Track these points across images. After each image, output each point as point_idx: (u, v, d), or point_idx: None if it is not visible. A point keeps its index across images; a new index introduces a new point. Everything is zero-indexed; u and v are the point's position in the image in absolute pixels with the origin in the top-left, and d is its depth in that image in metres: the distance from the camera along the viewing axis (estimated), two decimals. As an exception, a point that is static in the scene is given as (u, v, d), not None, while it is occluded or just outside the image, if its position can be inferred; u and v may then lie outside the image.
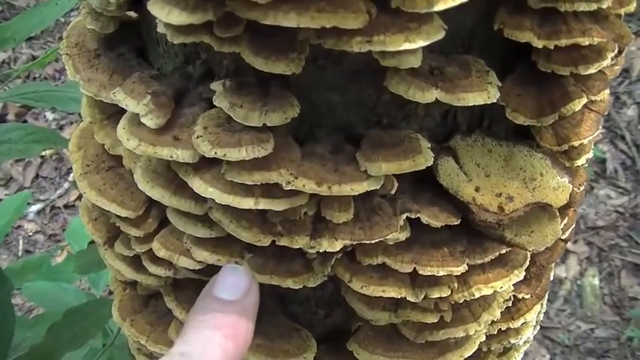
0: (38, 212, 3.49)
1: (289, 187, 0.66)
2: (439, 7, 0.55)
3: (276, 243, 0.70)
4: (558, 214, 0.78)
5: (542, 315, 1.00)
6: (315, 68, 0.65)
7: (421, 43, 0.57)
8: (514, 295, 0.87)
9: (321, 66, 0.65)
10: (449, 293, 0.75)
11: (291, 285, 0.74)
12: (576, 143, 0.78)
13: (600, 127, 0.86)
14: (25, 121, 3.89)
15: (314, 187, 0.66)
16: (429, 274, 0.73)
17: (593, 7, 0.66)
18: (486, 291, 0.77)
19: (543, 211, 0.77)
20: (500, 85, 0.68)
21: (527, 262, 0.80)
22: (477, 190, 0.72)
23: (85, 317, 1.29)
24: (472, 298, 0.76)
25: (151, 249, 0.79)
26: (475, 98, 0.65)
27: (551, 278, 0.98)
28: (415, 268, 0.73)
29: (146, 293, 0.91)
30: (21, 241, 3.36)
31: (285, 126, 0.66)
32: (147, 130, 0.70)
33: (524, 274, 0.79)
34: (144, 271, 0.82)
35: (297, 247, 0.70)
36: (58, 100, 1.28)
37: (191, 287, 0.84)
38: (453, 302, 0.77)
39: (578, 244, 2.99)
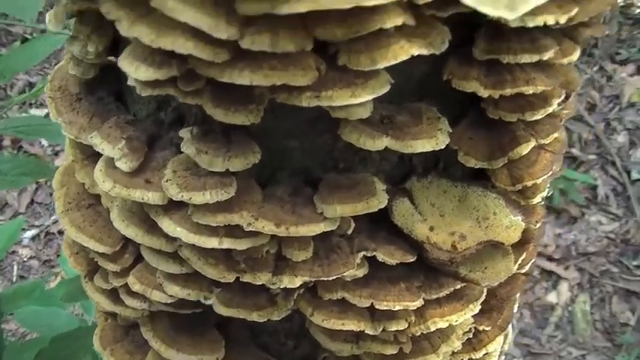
0: (33, 238, 3.54)
1: (250, 229, 0.70)
2: (382, 64, 0.60)
3: (240, 279, 0.74)
4: (511, 251, 0.82)
5: (507, 345, 1.03)
6: (273, 117, 0.70)
7: (366, 97, 0.61)
8: (475, 327, 0.91)
9: (280, 115, 0.70)
10: (406, 326, 0.79)
11: (256, 318, 0.78)
12: (530, 183, 0.82)
13: (556, 167, 0.91)
14: (20, 147, 3.97)
15: (273, 229, 0.70)
16: (386, 308, 0.77)
17: (535, 58, 0.70)
18: (442, 324, 0.80)
19: (497, 248, 0.81)
20: (451, 131, 0.73)
21: (483, 297, 0.84)
22: (431, 229, 0.77)
23: (72, 343, 1.32)
24: (429, 331, 0.80)
25: (127, 283, 0.83)
26: (424, 145, 0.70)
27: (515, 310, 1.02)
28: (372, 302, 0.77)
29: (126, 324, 0.95)
30: (15, 267, 3.40)
31: (248, 170, 0.71)
32: (121, 173, 0.75)
33: (479, 307, 0.83)
34: (121, 303, 0.87)
35: (260, 283, 0.74)
36: (48, 133, 1.34)
37: (167, 318, 0.88)
38: (411, 335, 0.81)
39: (569, 271, 3.02)
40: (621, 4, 4.46)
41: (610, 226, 3.17)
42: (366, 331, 0.78)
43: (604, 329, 2.84)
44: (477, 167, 0.77)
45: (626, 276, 3.02)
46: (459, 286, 0.81)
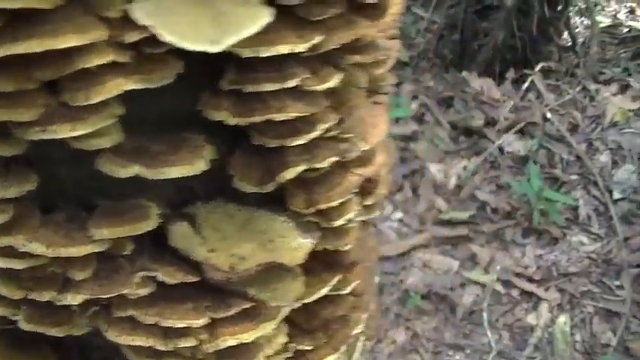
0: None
1: (24, 249, 0.77)
2: (96, 99, 0.66)
3: (28, 297, 0.81)
4: (301, 272, 0.86)
5: (349, 364, 1.06)
6: (50, 147, 0.76)
7: (84, 131, 0.68)
8: (297, 347, 0.94)
9: (53, 144, 0.76)
10: (197, 343, 0.84)
11: (55, 333, 0.84)
12: (324, 206, 0.86)
13: (382, 189, 0.95)
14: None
15: (44, 250, 0.76)
16: (170, 325, 0.82)
17: (277, 86, 0.74)
18: (232, 342, 0.84)
19: (286, 270, 0.85)
20: (215, 158, 0.78)
21: (281, 316, 0.88)
22: (212, 251, 0.81)
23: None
24: (219, 347, 0.84)
25: (-43, 301, 0.90)
26: (179, 171, 0.75)
27: (380, 324, 1.05)
28: (158, 320, 0.82)
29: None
30: None
31: (28, 197, 0.78)
32: None
33: (274, 326, 0.87)
34: (-41, 320, 0.94)
35: (45, 300, 0.81)
36: None
37: (7, 336, 0.95)
38: (204, 351, 0.85)
39: (549, 292, 2.97)
40: (608, 23, 4.41)
41: (592, 247, 3.11)
42: (156, 347, 0.83)
43: (584, 350, 2.78)
44: (251, 192, 0.82)
45: (607, 296, 2.95)
46: (248, 306, 0.85)
